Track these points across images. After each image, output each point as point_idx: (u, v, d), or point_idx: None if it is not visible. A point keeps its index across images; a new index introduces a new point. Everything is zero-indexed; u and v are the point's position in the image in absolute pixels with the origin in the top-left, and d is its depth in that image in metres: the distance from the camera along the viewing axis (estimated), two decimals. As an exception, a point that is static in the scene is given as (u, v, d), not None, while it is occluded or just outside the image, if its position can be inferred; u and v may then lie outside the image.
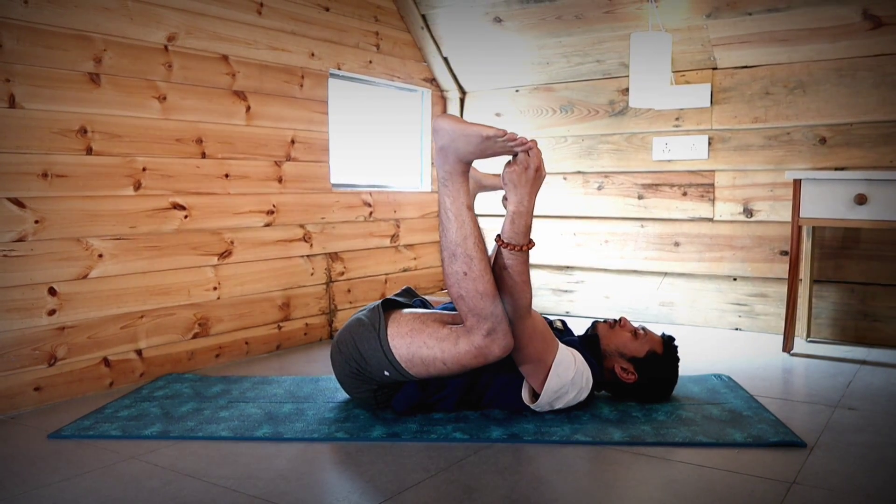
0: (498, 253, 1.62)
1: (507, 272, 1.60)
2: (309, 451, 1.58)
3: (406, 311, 1.78)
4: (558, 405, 1.74)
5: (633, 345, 1.84)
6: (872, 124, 2.56)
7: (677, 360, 1.89)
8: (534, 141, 1.58)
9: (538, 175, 1.58)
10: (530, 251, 1.62)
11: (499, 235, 1.62)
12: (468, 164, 1.60)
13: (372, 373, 1.72)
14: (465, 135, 1.55)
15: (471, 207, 1.62)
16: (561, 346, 1.73)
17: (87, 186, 2.03)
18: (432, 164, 3.40)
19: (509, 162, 1.60)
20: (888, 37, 2.46)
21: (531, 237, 1.62)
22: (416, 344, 1.66)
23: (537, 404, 1.73)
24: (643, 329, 1.89)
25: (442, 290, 3.42)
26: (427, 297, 2.02)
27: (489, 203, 2.42)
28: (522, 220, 1.59)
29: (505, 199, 2.05)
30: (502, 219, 1.62)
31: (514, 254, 1.59)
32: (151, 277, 2.20)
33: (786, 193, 2.69)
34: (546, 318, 1.93)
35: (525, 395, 1.75)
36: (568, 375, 1.70)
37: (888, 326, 2.59)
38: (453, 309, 1.81)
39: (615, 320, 1.91)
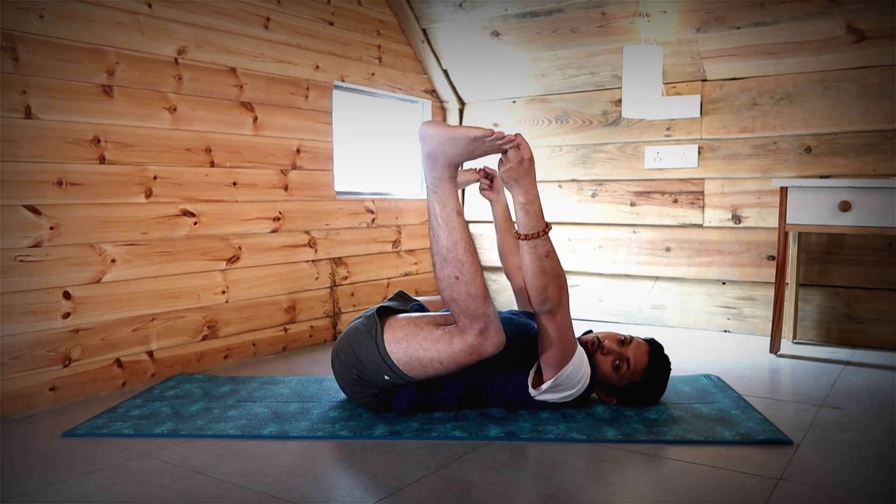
0: (524, 252, 1.63)
1: (546, 261, 1.61)
2: (313, 448, 1.61)
3: (401, 315, 1.79)
4: (555, 396, 1.77)
5: (613, 378, 1.82)
6: (856, 134, 2.61)
7: (664, 377, 1.86)
8: (519, 135, 1.59)
9: (531, 164, 1.60)
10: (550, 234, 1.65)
11: (517, 233, 1.63)
12: (456, 167, 1.62)
13: (372, 378, 1.74)
14: (451, 138, 1.56)
15: (460, 213, 1.63)
16: (578, 346, 1.76)
17: (100, 194, 2.07)
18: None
19: (501, 161, 1.61)
20: (871, 50, 2.51)
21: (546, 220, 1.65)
22: (412, 347, 1.68)
23: (541, 391, 1.76)
24: (627, 361, 1.80)
25: (441, 293, 3.47)
26: (422, 299, 2.03)
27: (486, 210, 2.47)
28: (534, 206, 1.61)
29: (483, 190, 2.08)
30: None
31: (541, 241, 1.61)
32: (162, 282, 2.23)
33: (773, 200, 2.72)
34: None
35: (530, 380, 1.77)
36: (576, 377, 1.74)
37: (871, 328, 2.63)
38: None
39: (598, 340, 1.84)
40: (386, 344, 1.70)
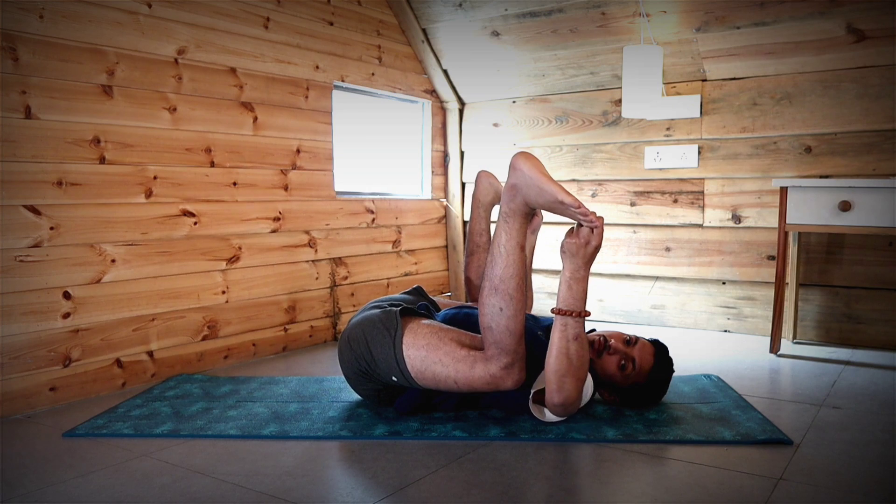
0: (554, 328, 1.62)
1: (572, 345, 1.59)
2: (314, 448, 1.61)
3: (425, 322, 1.77)
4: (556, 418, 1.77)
5: (618, 378, 1.80)
6: (856, 134, 2.61)
7: (667, 379, 1.85)
8: (601, 219, 1.59)
9: (595, 251, 1.61)
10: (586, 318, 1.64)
11: (554, 308, 1.63)
12: (532, 209, 1.61)
13: (380, 375, 1.75)
14: (540, 188, 1.55)
15: (524, 248, 1.62)
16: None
17: (100, 194, 2.07)
18: (433, 172, 3.46)
19: (571, 231, 1.62)
20: (871, 50, 2.52)
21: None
22: (430, 359, 1.67)
23: (544, 417, 1.75)
24: (633, 362, 1.80)
25: (443, 293, 3.48)
26: (436, 299, 2.03)
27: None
28: (579, 286, 1.61)
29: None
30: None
31: (573, 321, 1.60)
32: (162, 282, 2.24)
33: (773, 200, 2.73)
34: (546, 318, 1.97)
35: (530, 399, 1.75)
36: (583, 401, 1.75)
37: (871, 328, 2.63)
38: (460, 319, 1.84)
39: (603, 339, 1.83)
40: (404, 347, 1.70)
